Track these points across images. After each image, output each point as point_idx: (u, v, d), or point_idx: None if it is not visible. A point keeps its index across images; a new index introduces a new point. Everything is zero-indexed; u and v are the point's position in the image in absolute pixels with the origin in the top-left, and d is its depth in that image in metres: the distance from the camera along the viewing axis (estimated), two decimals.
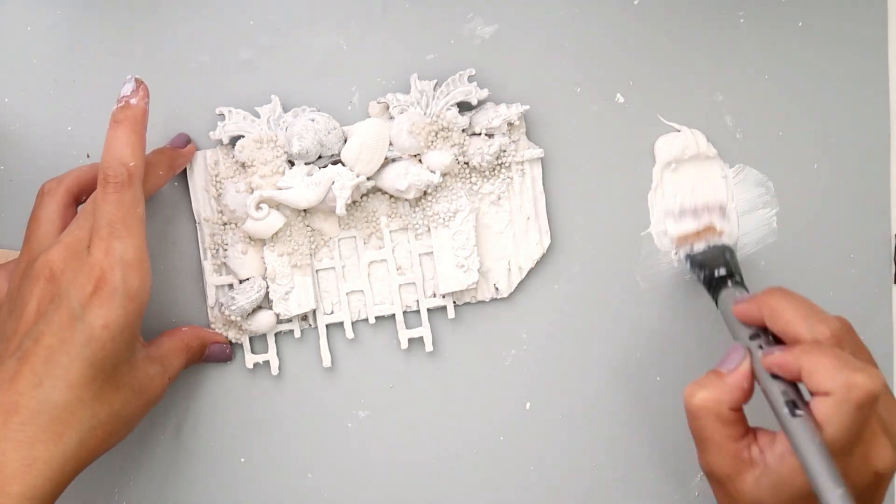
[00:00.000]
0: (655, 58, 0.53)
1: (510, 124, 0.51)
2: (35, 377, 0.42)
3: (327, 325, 0.52)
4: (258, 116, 0.50)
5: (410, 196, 0.50)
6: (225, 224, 0.51)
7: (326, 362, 0.52)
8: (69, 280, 0.43)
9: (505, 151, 0.51)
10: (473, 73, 0.51)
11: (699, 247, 0.51)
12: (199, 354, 0.50)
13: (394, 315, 0.52)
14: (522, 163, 0.52)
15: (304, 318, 0.52)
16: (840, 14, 0.53)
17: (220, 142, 0.51)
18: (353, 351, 0.53)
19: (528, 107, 0.51)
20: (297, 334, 0.52)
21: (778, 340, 0.43)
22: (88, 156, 0.51)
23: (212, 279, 0.51)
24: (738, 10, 0.53)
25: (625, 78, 0.53)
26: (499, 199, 0.52)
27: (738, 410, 0.42)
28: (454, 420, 0.53)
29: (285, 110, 0.51)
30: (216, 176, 0.51)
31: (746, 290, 0.48)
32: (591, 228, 0.53)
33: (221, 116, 0.51)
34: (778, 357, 0.40)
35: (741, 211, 0.53)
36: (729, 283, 0.48)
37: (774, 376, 0.41)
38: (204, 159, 0.51)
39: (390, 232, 0.52)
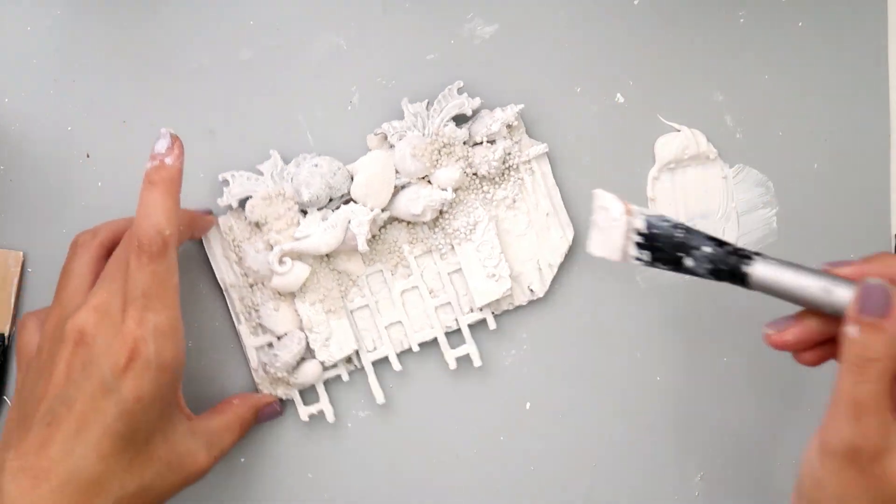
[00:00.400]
0: (655, 58, 0.53)
1: (509, 126, 0.51)
2: (66, 445, 0.41)
3: (373, 363, 0.52)
4: (261, 174, 0.50)
5: (427, 218, 0.50)
6: (252, 285, 0.51)
7: (380, 399, 0.52)
8: (102, 349, 0.42)
9: (510, 154, 0.51)
10: (462, 84, 0.51)
11: (633, 252, 0.43)
12: (253, 422, 0.50)
13: (436, 338, 0.52)
14: (529, 161, 0.52)
15: (349, 360, 0.52)
16: (840, 14, 0.53)
17: (229, 207, 0.51)
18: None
19: (522, 105, 0.51)
20: (346, 378, 0.52)
21: None
22: (88, 155, 0.51)
23: (250, 342, 0.51)
24: (738, 10, 0.53)
25: (625, 78, 0.53)
26: (514, 202, 0.52)
27: None
28: (454, 420, 0.53)
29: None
30: (233, 241, 0.51)
31: (746, 251, 0.41)
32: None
33: (226, 182, 0.50)
34: None
35: (741, 211, 0.53)
36: (749, 254, 0.41)
37: None
38: (217, 227, 0.51)
39: (415, 258, 0.51)
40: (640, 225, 0.42)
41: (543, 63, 0.52)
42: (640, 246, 0.42)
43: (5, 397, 0.51)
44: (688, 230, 0.42)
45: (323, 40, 0.52)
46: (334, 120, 0.52)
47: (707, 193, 0.53)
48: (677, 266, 0.42)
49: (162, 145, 0.44)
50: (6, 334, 0.51)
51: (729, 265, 0.41)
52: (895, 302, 0.37)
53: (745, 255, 0.41)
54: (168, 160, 0.44)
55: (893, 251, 0.54)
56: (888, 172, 0.54)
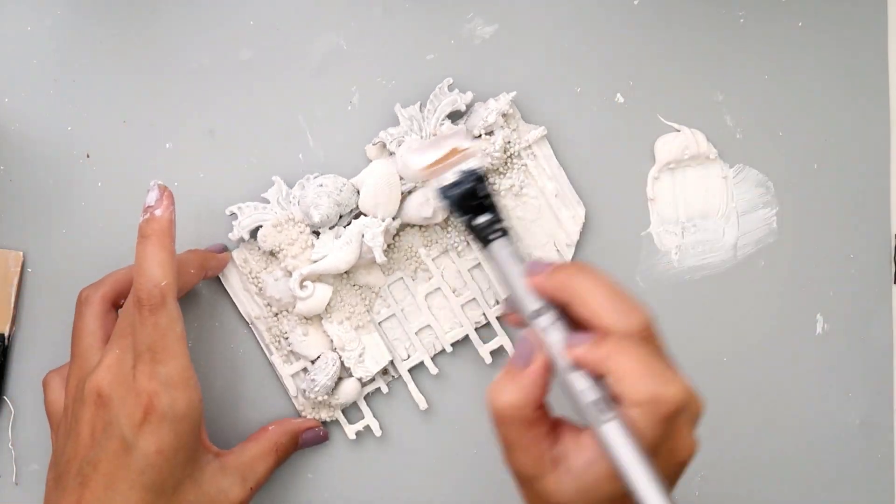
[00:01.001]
0: (655, 58, 0.53)
1: (505, 115, 0.51)
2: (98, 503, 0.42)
3: (409, 370, 0.52)
4: (267, 202, 0.50)
5: (439, 219, 0.50)
6: (277, 314, 0.51)
7: (422, 405, 0.52)
8: (118, 407, 0.43)
9: (509, 142, 0.51)
10: (451, 81, 0.51)
11: (449, 176, 0.46)
12: (293, 448, 0.50)
13: (468, 336, 0.52)
14: (529, 146, 0.52)
15: (385, 371, 0.52)
16: (840, 14, 0.53)
17: (241, 239, 0.50)
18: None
19: (514, 93, 0.51)
20: (385, 390, 0.52)
21: (567, 315, 0.41)
22: (88, 156, 0.51)
23: (285, 370, 0.51)
24: (738, 10, 0.53)
25: (625, 78, 0.53)
26: (521, 188, 0.52)
27: (540, 408, 0.40)
28: (453, 420, 0.53)
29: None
30: (250, 273, 0.51)
31: (505, 230, 0.44)
32: (591, 228, 0.53)
33: (233, 215, 0.50)
34: (584, 353, 0.38)
35: (741, 211, 0.53)
36: (495, 232, 0.44)
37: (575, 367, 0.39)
38: (233, 261, 0.51)
39: (433, 260, 0.51)
40: (466, 168, 0.46)
41: (543, 63, 0.52)
42: (453, 185, 0.45)
43: (5, 397, 0.51)
44: (485, 196, 0.45)
45: (323, 40, 0.52)
46: (334, 120, 0.52)
47: (707, 193, 0.53)
48: (464, 215, 0.45)
49: (151, 198, 0.45)
50: (6, 334, 0.51)
51: (482, 236, 0.44)
52: (537, 360, 0.40)
53: (492, 234, 0.44)
54: (157, 212, 0.45)
55: (893, 251, 0.54)
56: (888, 172, 0.54)
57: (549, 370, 0.40)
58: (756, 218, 0.53)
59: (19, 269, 0.51)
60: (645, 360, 0.38)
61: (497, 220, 0.44)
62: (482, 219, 0.44)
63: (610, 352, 0.38)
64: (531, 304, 0.41)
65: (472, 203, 0.45)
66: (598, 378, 0.39)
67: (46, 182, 0.51)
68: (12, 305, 0.51)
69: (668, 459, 0.39)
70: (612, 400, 0.38)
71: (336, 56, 0.52)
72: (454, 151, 0.47)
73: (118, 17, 0.52)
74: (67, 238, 0.51)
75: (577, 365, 0.39)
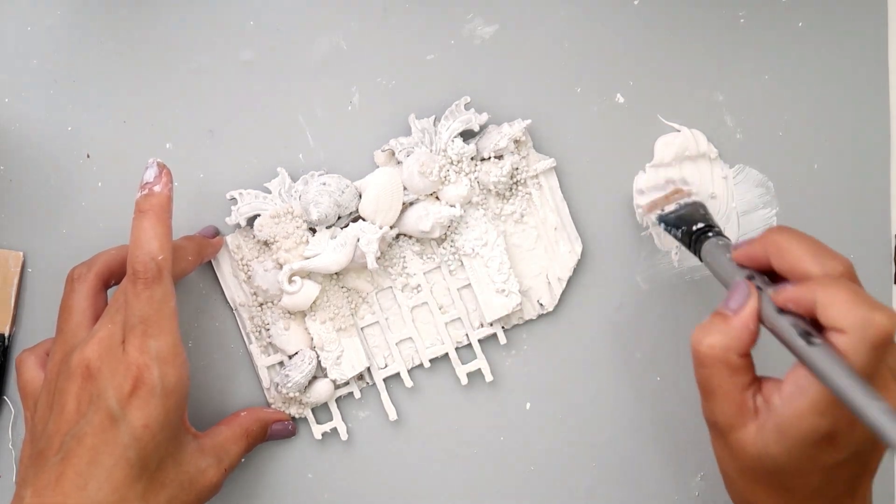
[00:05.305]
0: (655, 58, 0.53)
1: (516, 141, 0.51)
2: (80, 479, 0.42)
3: (385, 379, 0.52)
4: (269, 192, 0.50)
5: (436, 235, 0.50)
6: (261, 305, 0.51)
7: (392, 416, 0.52)
8: (107, 379, 0.43)
9: (517, 169, 0.51)
10: (469, 100, 0.51)
11: (670, 207, 0.49)
12: (262, 436, 0.50)
13: (447, 354, 0.52)
14: (537, 176, 0.51)
15: (361, 377, 0.52)
16: (840, 14, 0.53)
17: (237, 225, 0.50)
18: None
19: (529, 121, 0.51)
20: (357, 395, 0.52)
21: (775, 282, 0.41)
22: (88, 156, 0.51)
23: (261, 361, 0.51)
24: (738, 10, 0.53)
25: (625, 78, 0.53)
26: (522, 216, 0.52)
27: (746, 356, 0.40)
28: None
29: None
30: (241, 259, 0.51)
31: (728, 238, 0.46)
32: (591, 229, 0.53)
33: (234, 200, 0.50)
34: (792, 291, 0.38)
35: (741, 211, 0.53)
36: (710, 234, 0.46)
37: (783, 312, 0.39)
38: (226, 245, 0.51)
39: (424, 274, 0.51)
40: (686, 201, 0.50)
41: (543, 63, 0.52)
42: (671, 212, 0.49)
43: (5, 397, 0.51)
44: (704, 214, 0.48)
45: (323, 40, 0.52)
46: (334, 120, 0.52)
47: (707, 194, 0.53)
48: (680, 227, 0.48)
49: (150, 174, 0.45)
50: (6, 334, 0.51)
51: (696, 238, 0.47)
52: (750, 304, 0.40)
53: (708, 234, 0.46)
54: (157, 188, 0.44)
55: (893, 251, 0.54)
56: (888, 172, 0.54)
57: (758, 319, 0.40)
58: (756, 218, 0.53)
59: (19, 269, 0.51)
60: (853, 289, 0.38)
61: (710, 227, 0.47)
62: (698, 226, 0.47)
63: (817, 284, 0.38)
64: (739, 274, 0.42)
65: (689, 221, 0.47)
66: (807, 317, 0.38)
67: (46, 182, 0.51)
68: (12, 305, 0.51)
69: None
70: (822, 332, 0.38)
71: (336, 56, 0.52)
72: (677, 192, 0.50)
73: (118, 17, 0.52)
74: (67, 238, 0.51)
75: (787, 304, 0.39)
